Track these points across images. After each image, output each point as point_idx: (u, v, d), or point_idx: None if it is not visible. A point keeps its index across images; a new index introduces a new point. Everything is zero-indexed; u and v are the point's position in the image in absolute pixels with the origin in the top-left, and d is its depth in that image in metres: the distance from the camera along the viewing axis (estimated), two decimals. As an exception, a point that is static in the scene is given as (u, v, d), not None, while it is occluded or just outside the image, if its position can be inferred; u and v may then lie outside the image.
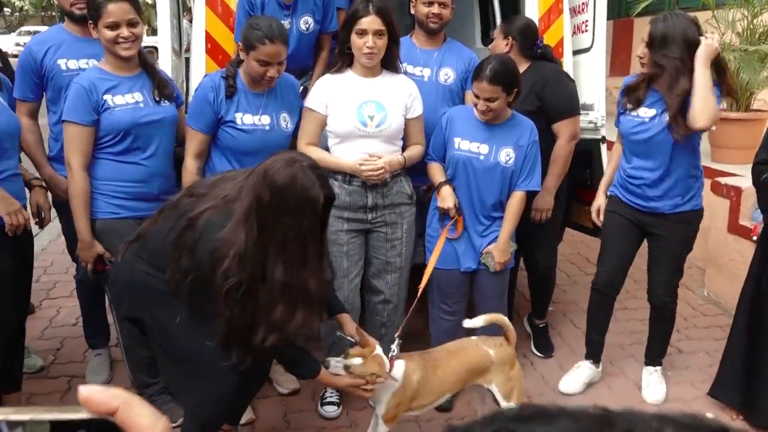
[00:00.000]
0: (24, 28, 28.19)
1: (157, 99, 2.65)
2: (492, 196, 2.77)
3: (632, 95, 2.85)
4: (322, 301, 2.15)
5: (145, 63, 2.67)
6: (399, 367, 2.29)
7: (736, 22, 4.90)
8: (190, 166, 2.67)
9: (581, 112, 3.24)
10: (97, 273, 2.65)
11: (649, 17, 2.99)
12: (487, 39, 4.47)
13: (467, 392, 2.78)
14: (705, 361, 3.37)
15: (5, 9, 30.33)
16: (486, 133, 2.74)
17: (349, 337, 2.33)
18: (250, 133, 2.67)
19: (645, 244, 3.01)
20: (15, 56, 3.06)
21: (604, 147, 3.45)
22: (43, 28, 27.06)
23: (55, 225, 3.07)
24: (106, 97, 2.54)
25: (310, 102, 2.74)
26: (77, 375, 3.15)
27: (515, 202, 2.79)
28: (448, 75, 3.01)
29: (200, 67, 3.23)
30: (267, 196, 1.88)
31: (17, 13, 33.01)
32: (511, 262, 2.89)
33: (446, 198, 2.75)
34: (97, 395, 0.45)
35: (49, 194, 2.84)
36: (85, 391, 0.45)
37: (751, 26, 4.85)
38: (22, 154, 2.73)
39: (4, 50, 3.57)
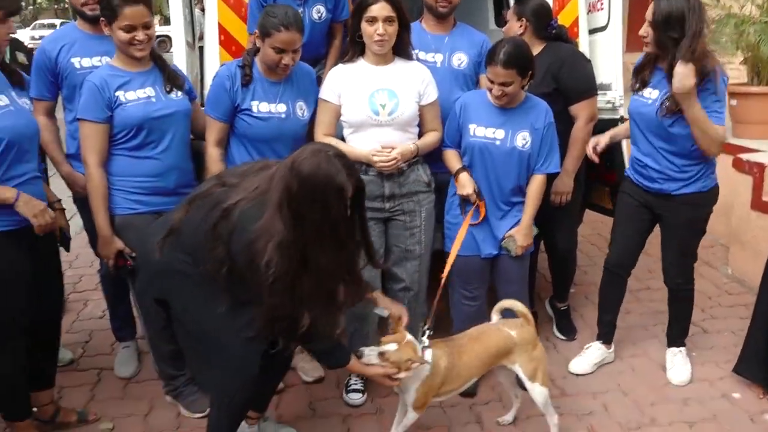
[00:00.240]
0: (39, 21, 28.36)
1: (168, 90, 2.67)
2: (510, 181, 2.76)
3: (639, 75, 2.82)
4: (359, 287, 2.21)
5: (155, 56, 2.69)
6: (427, 355, 2.32)
7: (756, -7, 4.81)
8: (214, 154, 2.71)
9: (599, 92, 3.20)
10: (119, 269, 2.68)
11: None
12: (500, 20, 4.42)
13: (490, 377, 2.79)
14: (730, 341, 3.35)
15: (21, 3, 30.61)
16: (501, 118, 2.72)
17: (385, 311, 2.36)
18: (266, 120, 2.69)
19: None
20: (32, 50, 3.09)
21: (622, 126, 3.41)
22: (57, 21, 27.07)
23: (78, 220, 3.12)
24: (118, 93, 2.57)
25: (323, 93, 2.74)
26: (106, 367, 3.22)
27: (536, 185, 2.77)
28: (461, 60, 2.98)
29: (214, 59, 3.25)
30: (295, 186, 1.92)
31: (31, 7, 33.22)
32: (531, 246, 2.88)
33: (465, 184, 2.74)
34: None
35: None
36: None
37: (772, -2, 4.75)
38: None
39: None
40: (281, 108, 2.71)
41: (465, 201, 2.78)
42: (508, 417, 2.76)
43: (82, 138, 2.60)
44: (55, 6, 31.55)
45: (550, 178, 2.93)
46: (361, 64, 2.71)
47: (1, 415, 2.54)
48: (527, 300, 2.85)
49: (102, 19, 2.57)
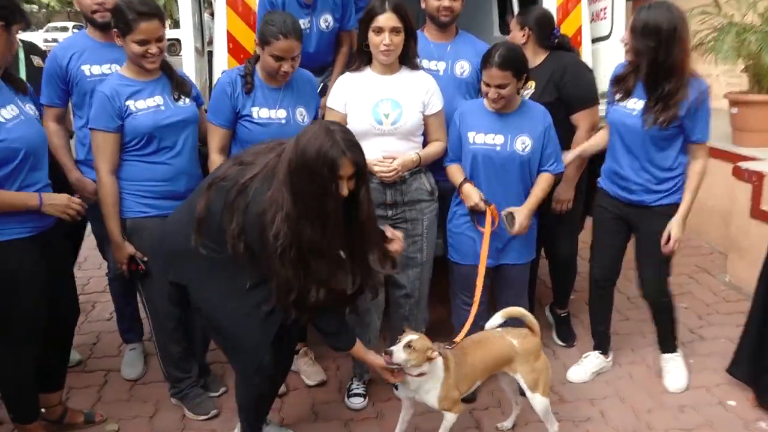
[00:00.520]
0: (51, 24, 28.19)
1: (176, 98, 2.72)
2: (512, 187, 2.78)
3: (621, 85, 2.83)
4: (364, 271, 2.21)
5: (163, 64, 2.73)
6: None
7: (757, 2, 4.83)
8: (217, 161, 2.74)
9: (600, 101, 3.24)
10: (132, 273, 2.74)
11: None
12: (504, 27, 4.46)
13: (490, 383, 2.83)
14: (727, 348, 3.35)
15: (32, 6, 30.42)
16: (499, 123, 2.75)
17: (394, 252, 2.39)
18: (265, 126, 2.73)
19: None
20: (46, 53, 3.12)
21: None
22: (70, 24, 26.87)
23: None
24: (128, 102, 2.62)
25: (330, 101, 2.79)
26: (113, 369, 3.27)
27: (542, 180, 2.79)
28: (463, 68, 3.01)
29: (223, 66, 3.30)
30: (294, 158, 1.99)
31: (44, 10, 33.17)
32: (532, 254, 2.92)
33: (470, 195, 2.76)
34: None
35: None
36: None
37: (774, 6, 4.78)
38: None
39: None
40: (281, 114, 2.75)
41: (474, 212, 2.79)
42: (508, 423, 2.80)
43: (93, 147, 2.66)
44: (68, 9, 31.48)
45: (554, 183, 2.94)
46: (368, 74, 2.75)
47: (11, 417, 2.59)
48: (527, 306, 2.88)
49: (115, 30, 2.61)
